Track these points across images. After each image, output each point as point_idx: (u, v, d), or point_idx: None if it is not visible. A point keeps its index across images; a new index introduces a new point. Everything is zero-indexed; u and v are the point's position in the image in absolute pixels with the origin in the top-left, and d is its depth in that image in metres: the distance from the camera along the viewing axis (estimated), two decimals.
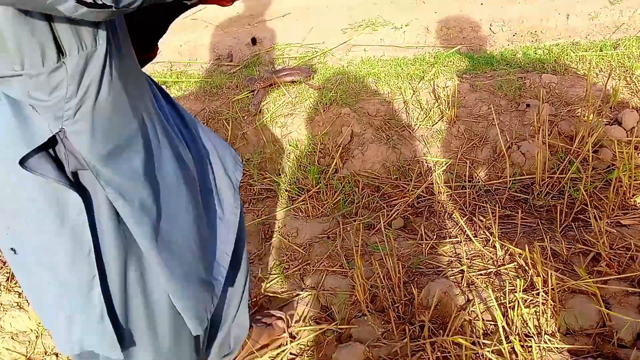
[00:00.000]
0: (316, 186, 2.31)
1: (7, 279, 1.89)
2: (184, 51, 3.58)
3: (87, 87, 0.85)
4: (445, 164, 2.32)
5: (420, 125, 2.48)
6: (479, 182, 2.25)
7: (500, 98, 2.50)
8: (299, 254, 2.06)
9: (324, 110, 2.57)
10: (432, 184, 2.28)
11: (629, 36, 2.90)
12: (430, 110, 2.53)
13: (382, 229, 2.02)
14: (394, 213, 2.17)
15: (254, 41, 3.42)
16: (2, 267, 1.95)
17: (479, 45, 3.15)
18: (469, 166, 2.29)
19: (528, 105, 2.41)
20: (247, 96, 2.83)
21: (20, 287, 1.86)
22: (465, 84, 2.60)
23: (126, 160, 0.96)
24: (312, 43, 3.40)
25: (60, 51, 0.81)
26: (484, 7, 3.40)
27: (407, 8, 3.55)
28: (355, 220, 2.15)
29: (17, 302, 1.81)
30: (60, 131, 0.87)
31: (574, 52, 2.79)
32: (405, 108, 2.57)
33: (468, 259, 1.86)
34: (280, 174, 2.44)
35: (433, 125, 2.48)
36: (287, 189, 2.36)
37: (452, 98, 2.45)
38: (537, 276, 1.67)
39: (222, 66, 3.33)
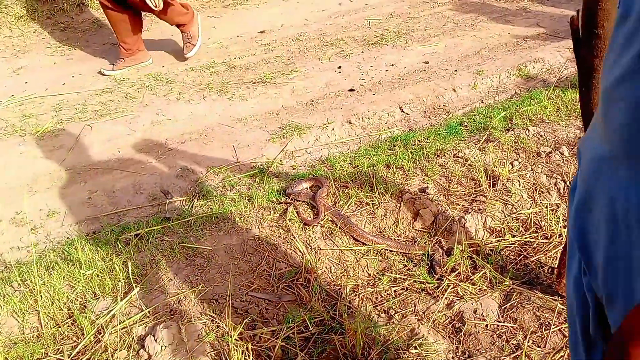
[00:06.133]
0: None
1: None
2: (96, 202, 2.82)
3: None
4: None
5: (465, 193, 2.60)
6: None
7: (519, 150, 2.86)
8: None
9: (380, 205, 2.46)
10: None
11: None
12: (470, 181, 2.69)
13: None
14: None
15: (165, 193, 2.91)
16: None
17: (408, 127, 3.48)
18: None
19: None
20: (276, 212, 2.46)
21: None
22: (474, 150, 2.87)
23: None
24: (250, 158, 3.16)
25: None
26: (376, 97, 3.76)
27: (308, 111, 3.65)
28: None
29: None
30: None
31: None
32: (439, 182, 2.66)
33: None
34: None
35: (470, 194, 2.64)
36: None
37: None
38: None
39: (168, 204, 2.76)
